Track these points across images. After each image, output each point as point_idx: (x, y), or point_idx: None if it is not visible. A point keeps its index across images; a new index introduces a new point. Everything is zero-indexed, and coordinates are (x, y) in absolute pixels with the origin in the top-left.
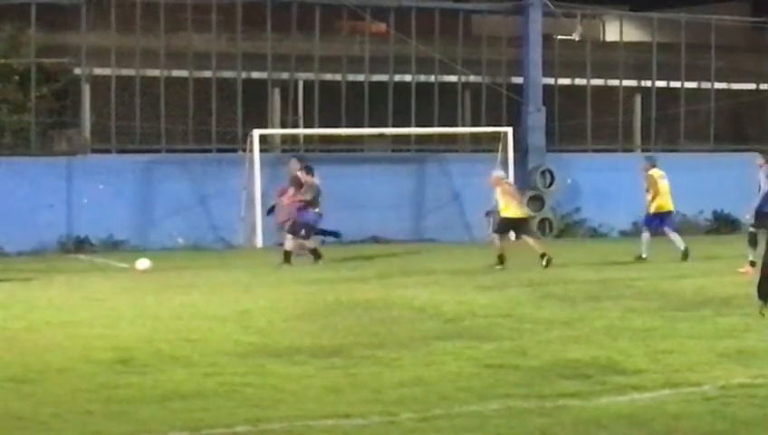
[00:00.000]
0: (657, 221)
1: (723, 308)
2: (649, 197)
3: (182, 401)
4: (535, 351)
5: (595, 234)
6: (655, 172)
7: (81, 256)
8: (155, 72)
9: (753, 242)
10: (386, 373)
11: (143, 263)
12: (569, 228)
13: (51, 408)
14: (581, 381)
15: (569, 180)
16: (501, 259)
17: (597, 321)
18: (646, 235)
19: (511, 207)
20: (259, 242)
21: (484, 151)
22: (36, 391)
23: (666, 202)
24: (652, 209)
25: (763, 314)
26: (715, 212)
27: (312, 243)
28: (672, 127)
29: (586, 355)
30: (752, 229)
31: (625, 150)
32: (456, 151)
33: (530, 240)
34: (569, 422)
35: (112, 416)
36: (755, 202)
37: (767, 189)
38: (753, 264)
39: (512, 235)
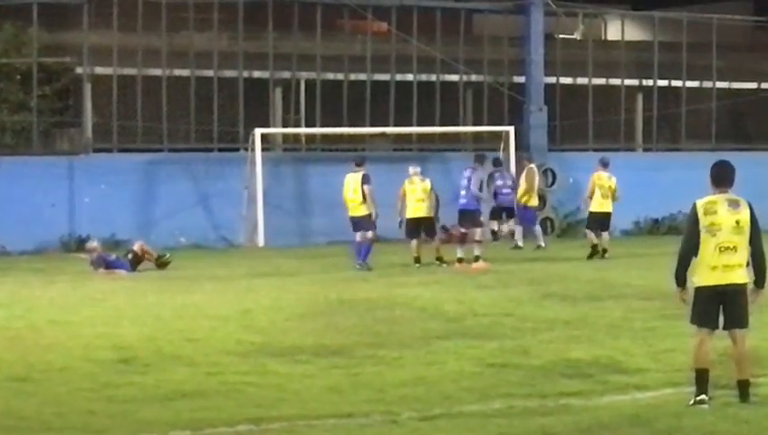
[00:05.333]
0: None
1: None
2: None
3: (184, 401)
4: (537, 350)
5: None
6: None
7: (83, 256)
8: (157, 72)
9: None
10: (388, 373)
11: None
12: (570, 228)
13: (53, 407)
14: (583, 381)
15: (570, 180)
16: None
17: (598, 320)
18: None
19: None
20: (261, 241)
21: (485, 151)
22: (38, 391)
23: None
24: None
25: (684, 301)
26: None
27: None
28: (673, 126)
29: (588, 355)
30: (463, 230)
31: (627, 150)
32: (458, 151)
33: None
34: (571, 421)
35: (114, 415)
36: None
37: (473, 191)
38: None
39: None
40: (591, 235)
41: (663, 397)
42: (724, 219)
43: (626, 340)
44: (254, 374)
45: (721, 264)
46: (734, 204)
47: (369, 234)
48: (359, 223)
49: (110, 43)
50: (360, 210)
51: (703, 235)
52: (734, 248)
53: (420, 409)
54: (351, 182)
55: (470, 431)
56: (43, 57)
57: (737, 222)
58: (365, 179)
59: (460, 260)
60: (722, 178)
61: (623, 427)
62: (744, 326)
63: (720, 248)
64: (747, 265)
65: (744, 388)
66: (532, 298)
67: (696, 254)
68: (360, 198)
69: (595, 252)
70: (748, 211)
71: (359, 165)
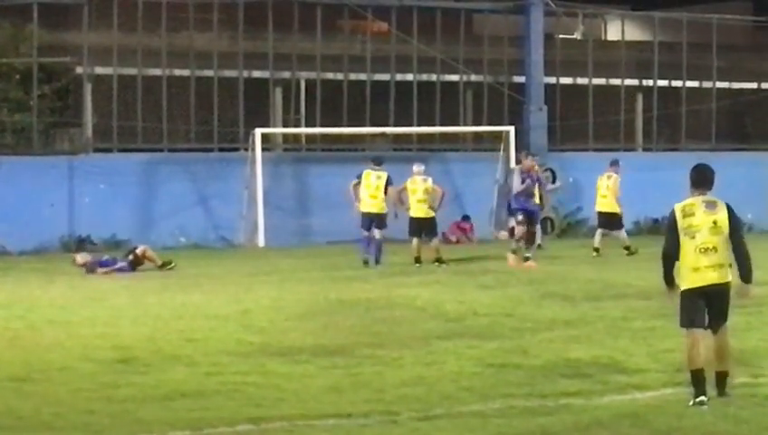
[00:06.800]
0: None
1: None
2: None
3: (183, 401)
4: (537, 350)
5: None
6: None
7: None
8: (157, 72)
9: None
10: (387, 373)
11: None
12: (570, 228)
13: (52, 407)
14: (583, 381)
15: (570, 180)
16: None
17: (598, 320)
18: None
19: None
20: (261, 241)
21: (485, 151)
22: (38, 391)
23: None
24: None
25: (672, 300)
26: None
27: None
28: (673, 126)
29: (587, 355)
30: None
31: (627, 150)
32: (458, 151)
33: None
34: (570, 421)
35: (114, 415)
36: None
37: (520, 189)
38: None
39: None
40: (596, 236)
41: (663, 397)
42: (702, 221)
43: (626, 340)
44: (253, 374)
45: (702, 265)
46: (710, 205)
47: (382, 233)
48: (373, 220)
49: (111, 42)
50: (379, 208)
51: (682, 238)
52: (714, 249)
53: (420, 409)
54: (374, 180)
55: (470, 431)
56: (43, 57)
57: (714, 223)
58: (390, 181)
59: (526, 259)
60: (701, 180)
61: (623, 427)
62: (725, 320)
63: (700, 250)
64: (730, 265)
65: (721, 379)
66: (532, 298)
67: (677, 257)
68: (382, 196)
69: (595, 251)
70: (726, 211)
71: (378, 164)
